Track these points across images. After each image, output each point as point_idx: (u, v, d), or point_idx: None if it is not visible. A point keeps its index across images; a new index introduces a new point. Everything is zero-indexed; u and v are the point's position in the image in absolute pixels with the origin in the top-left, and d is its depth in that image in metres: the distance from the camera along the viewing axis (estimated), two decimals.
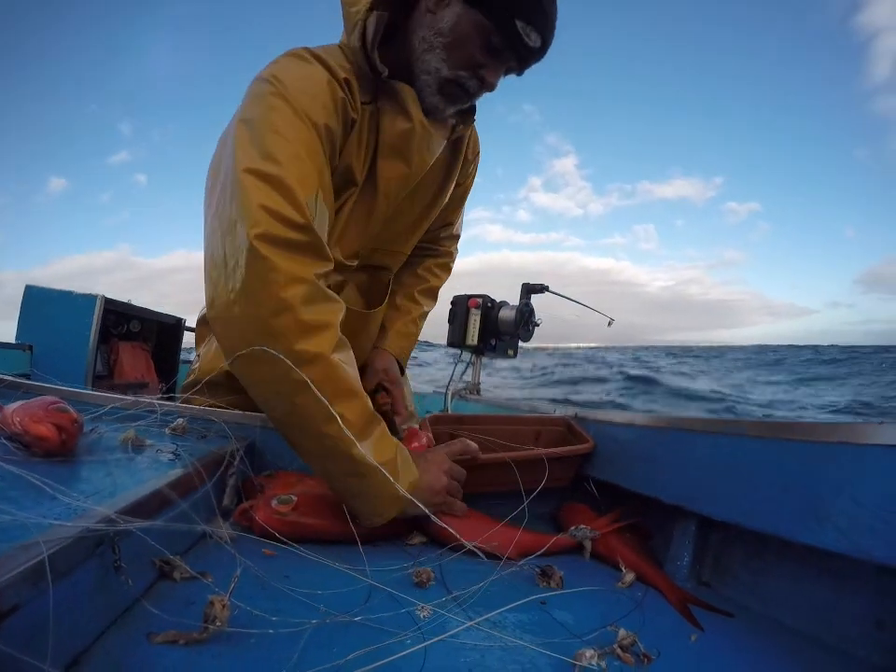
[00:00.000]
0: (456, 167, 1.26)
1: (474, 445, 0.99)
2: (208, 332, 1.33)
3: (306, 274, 0.81)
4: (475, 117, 1.21)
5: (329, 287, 0.87)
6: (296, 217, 0.81)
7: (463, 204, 1.45)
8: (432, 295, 1.52)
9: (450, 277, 1.55)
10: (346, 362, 0.84)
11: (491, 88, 1.02)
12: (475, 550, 0.78)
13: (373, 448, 0.82)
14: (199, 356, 1.34)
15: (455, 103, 1.04)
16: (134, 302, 3.18)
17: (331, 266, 0.87)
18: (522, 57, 0.99)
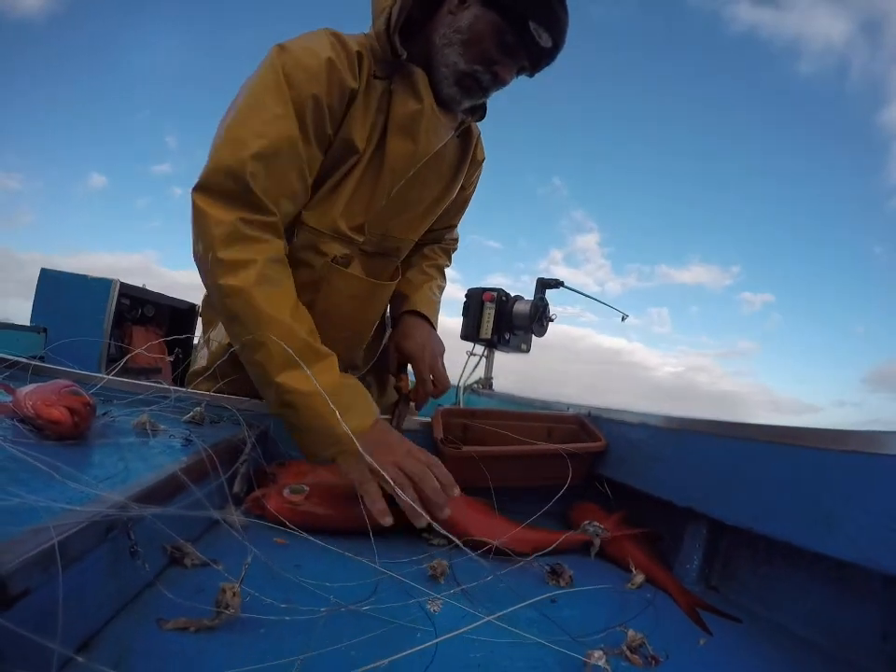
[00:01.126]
0: (465, 163, 1.32)
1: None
2: (216, 317, 1.34)
3: (228, 217, 0.93)
4: (484, 115, 1.30)
5: (340, 259, 1.13)
6: (233, 168, 0.93)
7: (465, 209, 1.51)
8: (440, 272, 1.51)
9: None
10: (274, 295, 0.93)
11: (503, 83, 1.10)
12: (486, 542, 0.78)
13: (306, 379, 0.86)
14: (207, 340, 1.35)
15: (470, 95, 1.12)
16: (149, 288, 3.19)
17: (269, 216, 0.98)
18: (534, 56, 1.07)
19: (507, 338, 2.31)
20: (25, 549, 0.39)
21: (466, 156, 1.31)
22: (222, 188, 0.94)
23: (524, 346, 2.40)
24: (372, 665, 0.48)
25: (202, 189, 0.95)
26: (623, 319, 2.33)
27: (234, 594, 0.54)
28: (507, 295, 2.31)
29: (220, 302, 0.94)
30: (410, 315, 1.31)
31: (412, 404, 1.27)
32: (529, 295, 2.29)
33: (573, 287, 2.27)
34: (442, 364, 1.27)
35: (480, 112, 1.28)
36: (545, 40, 1.03)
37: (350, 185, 1.12)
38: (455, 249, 1.59)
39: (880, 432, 0.64)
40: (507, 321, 2.27)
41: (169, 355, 3.47)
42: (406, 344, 1.26)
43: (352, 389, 0.96)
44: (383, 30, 1.04)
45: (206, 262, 0.94)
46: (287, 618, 0.55)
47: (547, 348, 2.28)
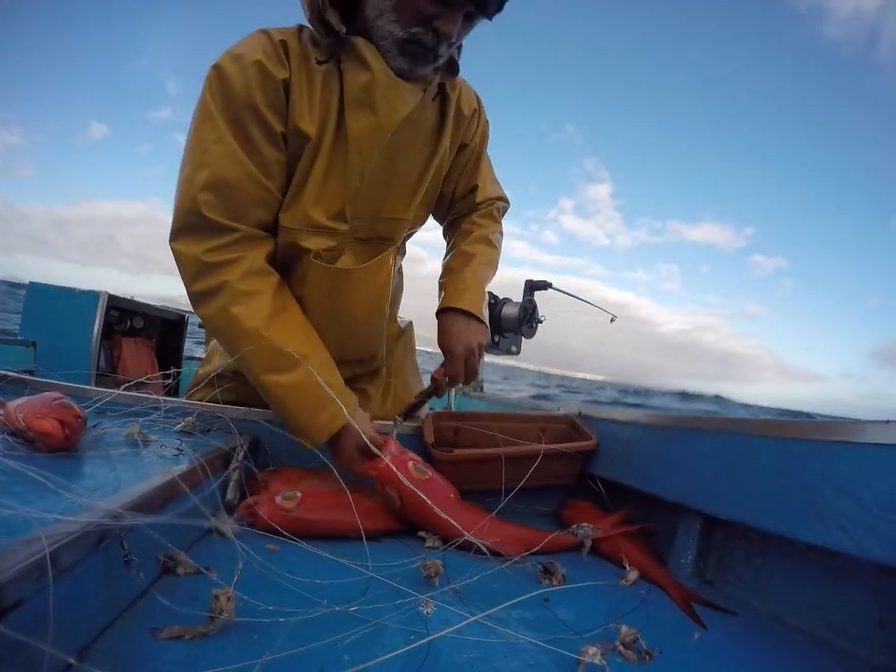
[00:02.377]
0: (446, 126, 1.23)
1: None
2: None
3: (195, 251, 1.00)
4: (457, 72, 1.20)
5: (324, 252, 1.12)
6: (187, 205, 0.99)
7: (480, 164, 1.40)
8: (485, 241, 1.39)
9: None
10: (247, 310, 1.00)
11: (449, 37, 1.00)
12: (478, 544, 0.78)
13: (281, 380, 0.99)
14: (210, 349, 1.39)
15: (420, 61, 1.03)
16: (138, 299, 3.18)
17: (233, 234, 1.02)
18: None
19: (496, 341, 2.30)
20: (17, 560, 0.39)
21: (446, 117, 1.22)
22: (185, 225, 1.01)
23: (513, 349, 2.40)
24: (363, 665, 0.49)
25: (173, 235, 1.02)
26: (611, 321, 2.34)
27: (228, 598, 0.54)
28: (495, 298, 2.30)
29: (206, 327, 1.13)
30: (442, 314, 1.27)
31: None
32: (517, 296, 2.29)
33: (561, 289, 2.27)
34: (476, 357, 1.24)
35: (451, 71, 1.19)
36: None
37: (318, 174, 1.09)
38: (504, 208, 1.48)
39: (868, 422, 0.65)
40: (496, 324, 2.27)
41: (160, 366, 3.46)
42: (441, 342, 1.26)
43: (328, 384, 0.95)
44: (312, 11, 1.00)
45: (189, 297, 1.04)
46: (282, 619, 0.55)
47: (551, 300, 2.24)
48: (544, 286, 2.25)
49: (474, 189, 1.40)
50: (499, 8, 1.00)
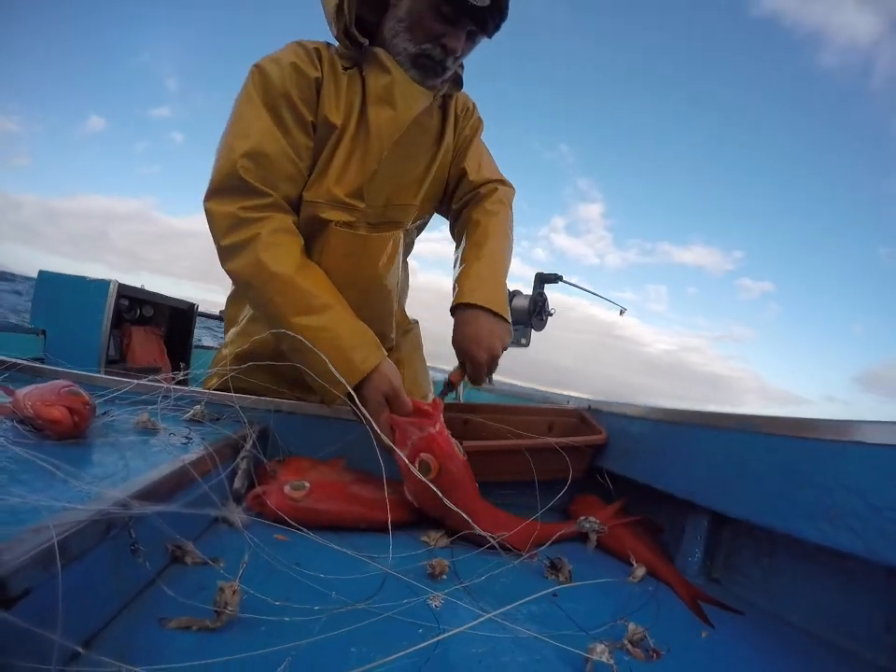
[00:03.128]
0: (448, 126, 1.39)
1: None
2: (238, 313, 1.45)
3: (230, 209, 1.09)
4: (461, 86, 1.39)
5: (342, 223, 1.21)
6: (227, 169, 1.10)
7: (469, 149, 1.47)
8: (497, 230, 1.40)
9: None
10: (277, 255, 1.07)
11: (454, 52, 1.17)
12: (487, 537, 0.78)
13: (315, 321, 1.03)
14: (230, 334, 1.44)
15: (430, 73, 1.21)
16: (147, 287, 3.19)
17: (267, 198, 1.13)
18: (476, 18, 1.13)
19: None
20: (26, 548, 0.39)
21: (446, 122, 1.39)
22: (223, 187, 1.11)
23: (523, 341, 2.40)
24: (372, 665, 0.48)
25: (209, 195, 1.12)
26: (621, 313, 2.32)
27: (234, 592, 0.54)
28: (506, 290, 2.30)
29: (235, 282, 1.15)
30: (459, 311, 1.24)
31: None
32: (527, 288, 2.29)
33: (572, 282, 2.26)
34: (492, 352, 1.19)
35: (457, 85, 1.38)
36: None
37: (340, 158, 1.22)
38: (510, 194, 1.50)
39: (880, 422, 0.64)
40: None
41: (169, 354, 3.47)
42: (458, 343, 1.22)
43: (356, 330, 1.06)
44: (339, 27, 1.18)
45: (218, 253, 1.13)
46: (287, 619, 0.55)
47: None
48: (555, 278, 2.24)
49: (463, 171, 1.45)
50: (497, 28, 1.18)
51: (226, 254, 1.11)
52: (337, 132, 1.21)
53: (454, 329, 1.23)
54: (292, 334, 1.00)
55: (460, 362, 1.21)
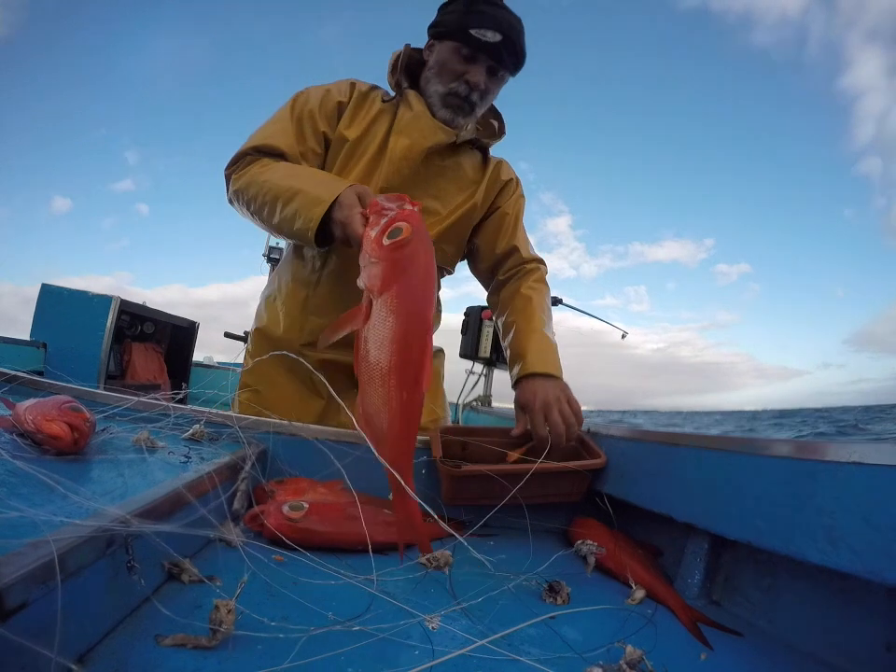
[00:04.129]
0: (485, 177, 1.55)
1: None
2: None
3: (236, 158, 1.37)
4: (503, 134, 1.58)
5: None
6: (241, 149, 1.37)
7: (518, 229, 1.62)
8: (544, 303, 1.56)
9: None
10: (278, 166, 1.32)
11: (478, 86, 1.35)
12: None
13: (301, 171, 1.30)
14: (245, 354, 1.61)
15: (458, 112, 1.40)
16: (149, 305, 3.20)
17: (265, 157, 1.35)
18: (492, 53, 1.32)
19: (506, 355, 2.30)
20: (24, 562, 0.39)
21: (485, 171, 1.55)
22: (234, 160, 1.37)
23: None
24: None
25: (227, 167, 1.38)
26: (623, 337, 2.33)
27: (229, 610, 0.53)
28: None
29: (246, 204, 1.32)
30: (521, 381, 1.32)
31: None
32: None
33: (572, 305, 2.27)
34: (560, 409, 1.20)
35: (497, 133, 1.57)
36: (491, 36, 1.30)
37: (359, 172, 1.41)
38: (544, 272, 1.63)
39: (882, 443, 0.64)
40: None
41: (169, 372, 3.47)
42: (519, 403, 1.28)
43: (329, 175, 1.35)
44: (392, 77, 1.44)
45: (227, 190, 1.38)
46: (281, 635, 0.54)
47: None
48: (554, 302, 2.24)
49: (515, 248, 1.60)
50: (516, 63, 1.38)
51: (230, 180, 1.36)
52: (349, 144, 1.42)
53: (523, 396, 1.28)
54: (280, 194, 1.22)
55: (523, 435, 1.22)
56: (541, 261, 1.64)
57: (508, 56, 1.34)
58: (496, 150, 1.59)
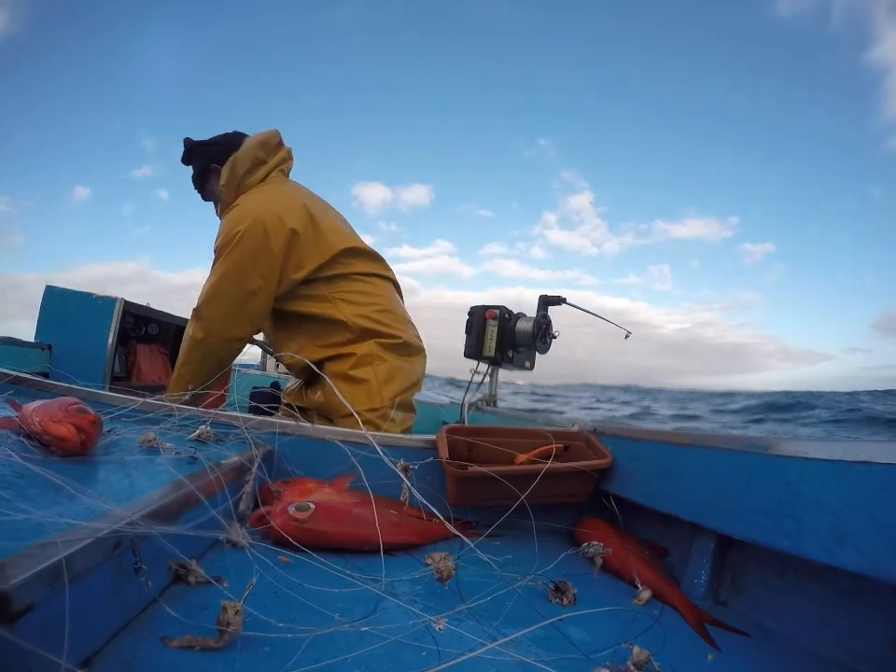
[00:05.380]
0: None
1: None
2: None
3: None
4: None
5: None
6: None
7: None
8: None
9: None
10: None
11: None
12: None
13: None
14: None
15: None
16: (153, 306, 3.20)
17: None
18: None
19: (510, 356, 2.29)
20: (31, 564, 0.39)
21: None
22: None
23: (527, 364, 2.38)
24: None
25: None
26: (626, 337, 2.32)
27: (236, 612, 0.53)
28: (510, 313, 2.29)
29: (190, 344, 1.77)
30: None
31: None
32: (531, 310, 2.28)
33: (575, 304, 2.26)
34: None
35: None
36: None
37: None
38: None
39: (890, 442, 0.63)
40: (510, 339, 2.25)
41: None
42: None
43: None
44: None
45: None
46: (290, 635, 0.54)
47: (553, 312, 2.26)
48: (558, 301, 2.23)
49: None
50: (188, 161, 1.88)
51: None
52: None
53: None
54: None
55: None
56: None
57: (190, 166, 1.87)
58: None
